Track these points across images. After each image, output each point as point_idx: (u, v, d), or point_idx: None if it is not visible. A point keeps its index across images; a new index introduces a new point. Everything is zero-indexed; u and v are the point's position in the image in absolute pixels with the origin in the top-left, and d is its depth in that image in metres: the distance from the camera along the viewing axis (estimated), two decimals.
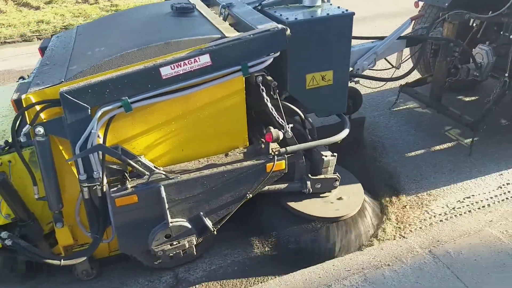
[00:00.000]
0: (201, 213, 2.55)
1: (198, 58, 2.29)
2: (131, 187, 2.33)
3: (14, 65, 6.61)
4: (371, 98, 4.83)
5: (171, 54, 2.31)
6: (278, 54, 2.50)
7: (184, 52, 2.32)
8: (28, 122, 2.19)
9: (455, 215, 3.17)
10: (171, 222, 2.46)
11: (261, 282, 2.70)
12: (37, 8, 9.52)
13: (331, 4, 2.88)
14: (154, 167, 2.42)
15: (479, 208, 3.24)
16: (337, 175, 2.88)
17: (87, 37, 2.87)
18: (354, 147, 3.64)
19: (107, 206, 2.37)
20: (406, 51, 3.92)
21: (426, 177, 3.61)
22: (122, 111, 2.23)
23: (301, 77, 2.71)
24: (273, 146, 2.58)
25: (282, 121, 2.56)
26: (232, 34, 2.48)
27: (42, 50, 2.92)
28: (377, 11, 8.22)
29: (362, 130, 3.81)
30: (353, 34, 2.74)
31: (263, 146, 2.64)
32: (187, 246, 2.58)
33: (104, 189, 2.34)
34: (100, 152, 2.24)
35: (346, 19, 2.65)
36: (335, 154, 2.83)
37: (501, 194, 3.38)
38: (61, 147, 2.28)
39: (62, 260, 2.46)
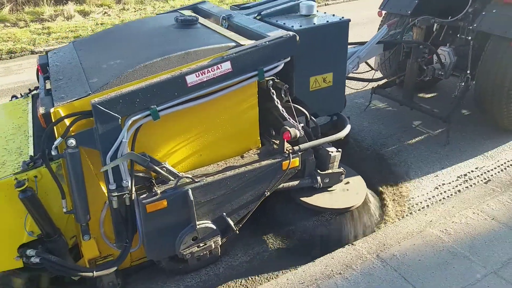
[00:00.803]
0: (224, 213, 2.65)
1: (220, 65, 2.42)
2: (161, 193, 2.39)
3: None
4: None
5: (193, 63, 2.41)
6: (289, 59, 2.67)
7: (206, 60, 2.44)
8: (56, 135, 2.20)
9: (398, 218, 3.30)
10: (198, 225, 2.54)
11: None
12: None
13: (325, 13, 3.13)
14: (177, 172, 2.48)
15: (419, 210, 3.39)
16: (342, 169, 3.07)
17: (91, 52, 2.90)
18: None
19: (135, 214, 2.40)
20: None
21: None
22: (150, 120, 2.29)
23: (305, 80, 2.91)
24: (286, 145, 2.73)
25: (294, 121, 2.70)
26: (245, 42, 2.64)
27: (42, 66, 2.95)
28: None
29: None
30: None
31: (275, 146, 2.80)
32: (213, 246, 2.67)
33: (133, 197, 2.35)
34: (129, 161, 2.27)
35: (344, 25, 2.93)
36: (339, 149, 3.01)
37: (438, 195, 3.56)
38: (87, 159, 2.28)
39: (94, 271, 2.43)
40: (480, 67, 4.02)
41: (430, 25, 4.13)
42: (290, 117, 2.71)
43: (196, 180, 2.48)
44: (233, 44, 2.62)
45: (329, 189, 3.09)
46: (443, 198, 3.52)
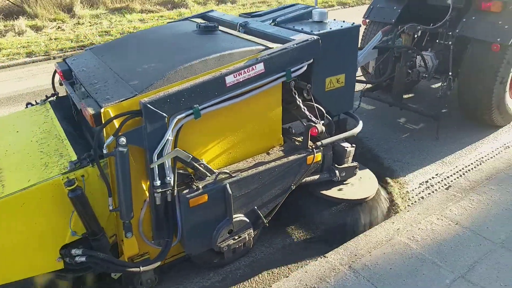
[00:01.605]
0: (255, 207, 2.81)
1: (255, 67, 2.61)
2: (202, 188, 2.53)
3: None
4: None
5: (228, 65, 2.59)
6: (311, 61, 2.89)
7: (242, 61, 2.62)
8: (105, 135, 2.28)
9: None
10: (234, 218, 2.69)
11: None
12: None
13: (334, 19, 3.38)
14: (212, 169, 2.64)
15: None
16: (356, 163, 3.29)
17: (115, 57, 3.03)
18: None
19: (175, 210, 2.51)
20: None
21: None
22: (191, 119, 2.44)
23: (322, 81, 3.10)
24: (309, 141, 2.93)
25: (316, 119, 2.93)
26: (272, 45, 2.83)
27: (64, 72, 3.06)
28: None
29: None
30: None
31: (296, 143, 3.03)
32: (247, 239, 2.83)
33: (174, 194, 2.46)
34: (172, 158, 2.39)
35: (355, 30, 3.17)
36: (354, 145, 3.25)
37: (402, 203, 3.68)
38: (131, 158, 2.34)
39: (140, 266, 2.51)
40: (463, 69, 4.42)
41: (416, 31, 4.48)
42: (311, 115, 2.93)
43: (233, 175, 2.63)
44: (263, 47, 2.80)
45: (344, 182, 3.29)
46: (408, 205, 3.61)
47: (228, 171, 2.64)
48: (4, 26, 9.86)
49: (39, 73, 7.79)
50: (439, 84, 5.09)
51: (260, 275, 3.00)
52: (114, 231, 2.58)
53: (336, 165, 3.21)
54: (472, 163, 4.17)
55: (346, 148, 3.19)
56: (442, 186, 3.82)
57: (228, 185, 2.59)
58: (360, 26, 3.20)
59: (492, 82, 4.27)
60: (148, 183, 2.45)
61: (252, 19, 3.50)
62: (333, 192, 3.21)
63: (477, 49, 4.30)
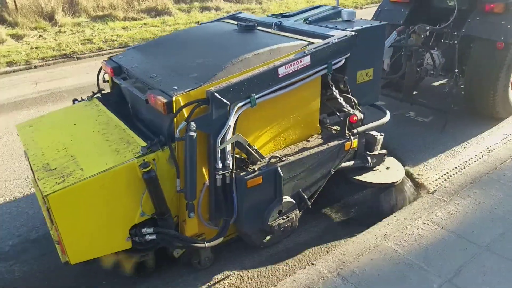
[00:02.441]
0: (300, 189, 3.12)
1: (303, 59, 2.93)
2: (257, 170, 2.83)
3: None
4: None
5: (278, 58, 2.90)
6: (348, 55, 3.19)
7: (291, 55, 2.93)
8: (175, 122, 2.58)
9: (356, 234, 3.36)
10: (283, 199, 2.99)
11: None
12: None
13: (361, 19, 3.75)
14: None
15: (373, 223, 3.46)
16: (385, 151, 3.59)
17: (163, 54, 3.33)
18: None
19: (232, 191, 2.80)
20: None
21: None
22: (247, 107, 2.76)
23: (354, 74, 3.40)
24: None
25: (351, 108, 3.24)
26: (314, 40, 3.14)
27: (114, 69, 3.32)
28: None
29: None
30: None
31: (333, 131, 3.39)
32: (294, 218, 3.14)
33: (233, 176, 2.76)
34: (232, 143, 2.71)
35: (383, 27, 3.53)
36: (382, 134, 3.53)
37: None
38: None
39: (206, 243, 2.83)
40: (469, 66, 4.86)
41: (425, 31, 4.86)
42: (347, 105, 3.24)
43: (283, 159, 2.94)
44: (306, 42, 3.12)
45: (374, 168, 3.57)
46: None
47: (278, 156, 2.95)
48: None
49: (20, 82, 7.67)
50: (443, 81, 5.74)
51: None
52: (176, 213, 2.84)
53: (367, 152, 3.48)
54: (455, 167, 4.22)
55: (376, 136, 3.48)
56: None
57: (279, 168, 2.89)
58: (386, 24, 3.57)
59: (496, 77, 4.69)
60: (207, 167, 2.75)
61: (283, 19, 3.84)
62: (365, 177, 3.50)
63: (482, 47, 4.70)
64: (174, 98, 2.55)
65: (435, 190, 3.80)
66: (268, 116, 3.01)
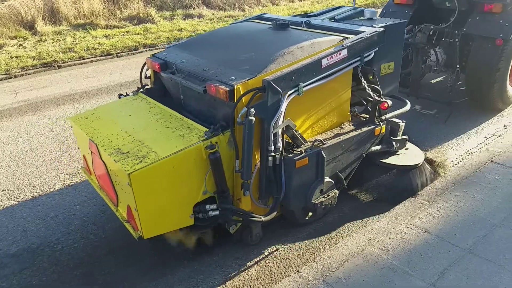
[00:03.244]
0: (337, 171, 3.48)
1: (341, 52, 3.26)
2: (304, 151, 3.17)
3: None
4: None
5: (319, 51, 3.21)
6: (377, 49, 3.52)
7: (330, 48, 3.25)
8: (236, 108, 2.87)
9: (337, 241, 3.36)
10: (324, 179, 3.32)
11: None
12: None
13: (381, 17, 4.33)
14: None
15: (357, 229, 3.48)
16: (407, 136, 3.95)
17: (207, 51, 3.60)
18: None
19: (281, 172, 3.11)
20: None
21: None
22: (295, 95, 3.06)
23: (378, 67, 3.70)
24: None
25: (379, 98, 3.57)
26: (348, 36, 3.45)
27: (161, 65, 3.58)
28: None
29: None
30: None
31: (362, 119, 3.73)
32: (333, 197, 3.47)
33: (282, 157, 3.08)
34: (283, 127, 3.02)
35: (403, 24, 3.90)
36: (404, 121, 3.88)
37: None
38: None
39: (262, 217, 3.15)
40: (469, 62, 5.26)
41: (429, 30, 5.30)
42: (374, 94, 3.55)
43: (324, 142, 3.28)
44: (341, 37, 3.42)
45: (396, 152, 3.91)
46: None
47: (321, 139, 3.27)
48: None
49: (0, 92, 7.50)
50: (441, 78, 6.36)
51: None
52: (231, 192, 3.09)
53: (391, 137, 3.83)
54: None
55: (399, 123, 3.84)
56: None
57: (322, 151, 3.21)
58: (406, 21, 3.95)
59: (495, 71, 5.10)
60: (258, 150, 3.02)
61: (310, 18, 4.16)
62: (391, 160, 3.84)
63: (482, 44, 5.12)
64: (235, 87, 2.85)
65: (417, 194, 3.84)
66: (307, 104, 3.31)
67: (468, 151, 4.72)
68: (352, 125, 3.62)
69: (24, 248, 3.57)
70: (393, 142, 3.84)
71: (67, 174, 4.66)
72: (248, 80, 2.92)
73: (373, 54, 3.50)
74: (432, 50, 5.49)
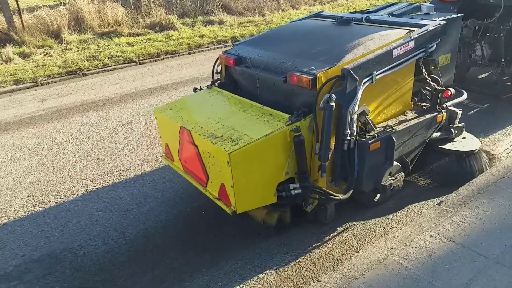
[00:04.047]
0: (403, 155, 3.70)
1: (409, 44, 3.49)
2: (377, 136, 3.39)
3: None
4: None
5: (390, 42, 3.46)
6: (439, 40, 3.75)
7: (398, 40, 3.48)
8: (319, 95, 3.12)
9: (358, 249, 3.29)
10: (393, 162, 3.56)
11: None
12: None
13: (436, 12, 4.48)
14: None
15: (378, 237, 3.40)
16: (463, 124, 4.13)
17: (278, 46, 3.85)
18: None
19: (354, 155, 3.33)
20: None
21: None
22: (368, 83, 3.28)
23: (437, 58, 3.91)
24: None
25: (439, 87, 3.79)
26: (413, 29, 3.68)
27: (236, 61, 3.89)
28: None
29: None
30: None
31: (423, 107, 3.92)
32: (401, 179, 3.70)
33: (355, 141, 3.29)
34: (358, 114, 3.24)
35: (460, 18, 4.17)
36: (461, 109, 4.07)
37: (390, 218, 3.79)
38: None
39: (340, 196, 3.38)
40: None
41: (475, 25, 5.48)
42: (435, 84, 3.77)
43: (394, 128, 3.51)
44: (406, 30, 3.66)
45: (454, 140, 4.09)
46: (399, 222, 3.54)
47: (391, 125, 3.50)
48: None
49: (26, 100, 7.74)
50: (489, 72, 6.40)
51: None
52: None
53: (450, 125, 4.02)
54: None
55: (456, 111, 4.03)
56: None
57: (392, 135, 3.44)
58: (463, 15, 4.20)
59: None
60: (334, 135, 3.22)
61: (367, 14, 4.38)
62: (449, 146, 4.01)
63: None
64: (318, 75, 3.11)
65: (441, 201, 3.73)
66: (376, 92, 3.51)
67: (497, 154, 4.58)
68: (415, 112, 3.83)
69: (48, 253, 3.63)
70: (452, 129, 4.02)
71: (90, 181, 4.74)
72: (328, 69, 3.17)
73: (435, 45, 3.71)
74: (478, 44, 5.62)
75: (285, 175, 3.22)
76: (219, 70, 4.22)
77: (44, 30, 11.08)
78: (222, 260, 3.39)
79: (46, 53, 10.22)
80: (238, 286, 3.13)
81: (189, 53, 10.43)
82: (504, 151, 4.76)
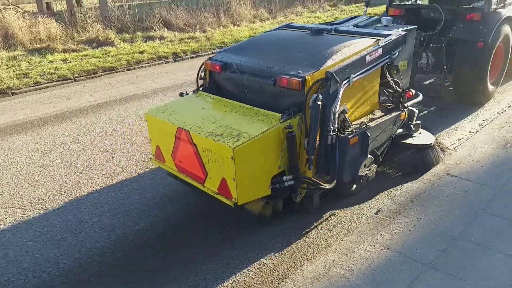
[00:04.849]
0: (374, 149, 4.13)
1: (378, 51, 3.97)
2: (355, 131, 3.81)
3: None
4: None
5: (362, 49, 3.90)
6: (400, 48, 4.28)
7: (369, 48, 3.94)
8: (308, 96, 3.51)
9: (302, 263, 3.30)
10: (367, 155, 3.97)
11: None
12: None
13: (394, 24, 5.07)
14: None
15: (321, 249, 3.44)
16: (420, 121, 4.69)
17: (259, 53, 4.24)
18: None
19: (336, 148, 3.71)
20: None
21: None
22: (347, 85, 3.70)
23: (397, 64, 4.36)
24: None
25: (401, 89, 4.30)
26: (379, 38, 4.17)
27: (222, 66, 4.18)
28: None
29: None
30: None
31: (388, 107, 4.41)
32: (374, 170, 4.15)
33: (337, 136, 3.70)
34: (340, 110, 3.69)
35: (414, 30, 4.79)
36: (417, 108, 4.67)
37: (331, 230, 3.77)
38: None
39: (328, 185, 3.74)
40: (455, 62, 6.25)
41: (421, 36, 6.27)
42: (397, 87, 4.28)
43: (367, 124, 3.93)
44: (374, 39, 4.15)
45: (412, 135, 4.59)
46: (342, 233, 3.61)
47: (365, 121, 3.94)
48: None
49: None
50: (434, 78, 7.32)
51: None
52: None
53: (409, 122, 4.51)
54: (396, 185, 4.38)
55: (414, 110, 4.54)
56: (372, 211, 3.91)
57: (367, 131, 3.84)
58: (417, 27, 4.82)
59: (478, 70, 6.11)
60: (318, 131, 3.53)
61: (335, 25, 4.89)
62: (411, 141, 4.56)
63: (466, 47, 6.13)
64: (306, 78, 3.49)
65: (378, 210, 3.87)
66: (351, 94, 3.90)
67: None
68: (381, 112, 4.30)
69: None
70: (411, 126, 4.53)
71: (19, 208, 4.40)
72: (314, 72, 3.56)
73: (397, 53, 4.21)
74: (424, 53, 6.42)
75: (278, 168, 3.52)
76: (202, 76, 4.51)
77: None
78: (164, 286, 3.26)
79: None
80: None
81: (129, 69, 10.15)
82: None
